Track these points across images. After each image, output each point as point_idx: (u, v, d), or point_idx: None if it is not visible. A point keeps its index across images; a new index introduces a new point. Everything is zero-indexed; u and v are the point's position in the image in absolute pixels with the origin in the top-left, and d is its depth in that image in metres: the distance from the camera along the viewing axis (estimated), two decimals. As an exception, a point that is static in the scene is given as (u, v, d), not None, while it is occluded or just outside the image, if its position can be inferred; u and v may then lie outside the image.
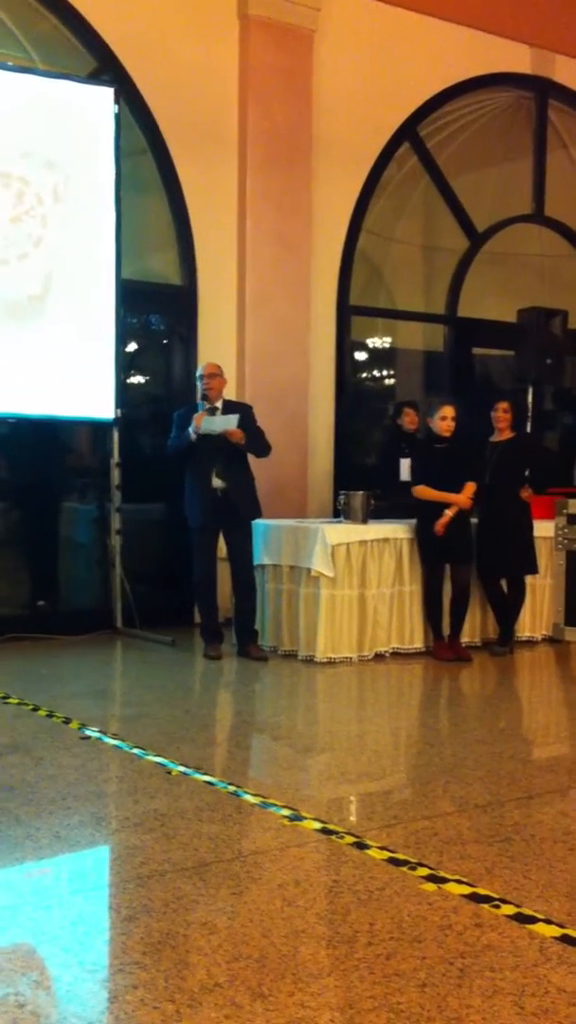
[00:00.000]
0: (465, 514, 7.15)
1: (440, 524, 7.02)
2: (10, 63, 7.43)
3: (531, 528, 7.45)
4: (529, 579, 7.56)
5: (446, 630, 7.26)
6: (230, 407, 7.06)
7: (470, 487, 7.08)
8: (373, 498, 7.30)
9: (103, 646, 7.54)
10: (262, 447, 7.02)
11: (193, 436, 6.83)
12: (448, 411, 7.12)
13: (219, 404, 7.02)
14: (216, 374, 7.03)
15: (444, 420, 7.12)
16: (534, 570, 7.49)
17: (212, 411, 6.96)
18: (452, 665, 7.03)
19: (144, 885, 3.24)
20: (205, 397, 6.98)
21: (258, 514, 7.08)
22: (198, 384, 7.06)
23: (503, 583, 7.47)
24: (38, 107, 7.29)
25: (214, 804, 4.03)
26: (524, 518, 7.40)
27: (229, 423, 6.82)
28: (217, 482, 6.90)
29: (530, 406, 9.19)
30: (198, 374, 7.11)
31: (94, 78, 7.76)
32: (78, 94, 7.46)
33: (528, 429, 8.95)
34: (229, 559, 7.07)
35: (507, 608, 7.47)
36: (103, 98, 7.53)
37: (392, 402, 9.79)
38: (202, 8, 8.18)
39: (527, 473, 7.48)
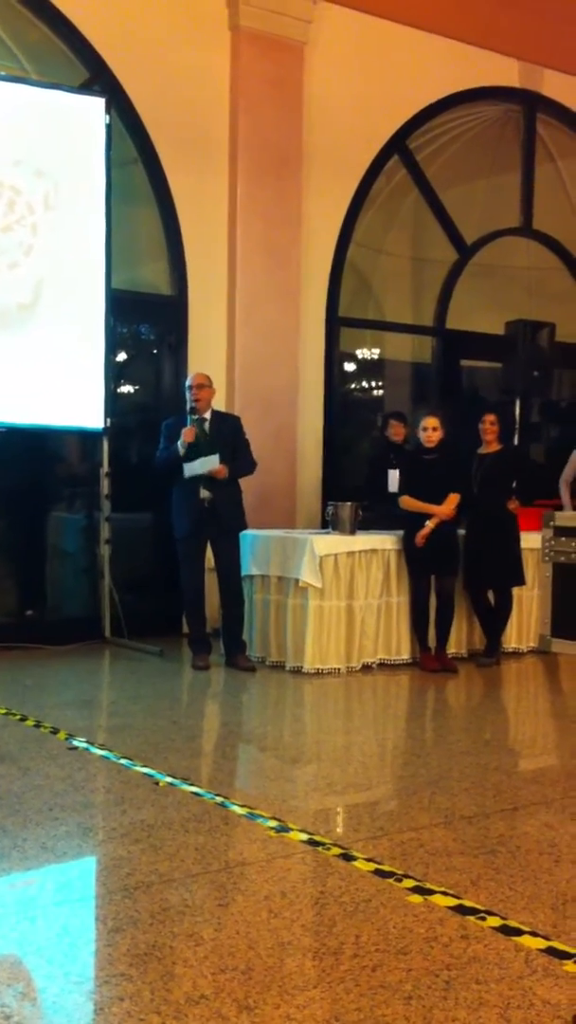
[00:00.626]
0: (450, 525, 7.17)
1: (420, 535, 7.04)
2: (2, 72, 7.45)
3: (518, 540, 7.47)
4: (516, 591, 7.58)
5: (432, 641, 7.27)
6: (218, 418, 7.07)
7: (453, 498, 7.11)
8: (361, 509, 7.33)
9: (91, 656, 7.53)
10: (247, 466, 7.04)
11: (182, 450, 6.83)
12: (431, 422, 7.15)
13: (207, 415, 7.03)
14: (205, 385, 7.04)
15: (426, 431, 7.16)
16: (521, 582, 7.52)
17: (201, 423, 6.97)
18: (438, 676, 7.05)
19: (131, 896, 3.24)
20: (194, 409, 6.98)
21: (244, 525, 7.10)
22: (187, 394, 7.07)
23: (490, 595, 7.49)
24: (30, 116, 7.31)
25: (201, 815, 4.03)
26: (511, 530, 7.42)
27: (211, 464, 6.83)
28: (204, 492, 6.90)
29: (517, 418, 9.22)
30: (187, 384, 7.11)
31: (86, 88, 7.78)
32: (70, 104, 7.48)
33: (515, 441, 8.99)
34: (216, 570, 7.08)
35: (494, 620, 7.49)
36: (94, 108, 7.55)
37: (380, 413, 9.82)
38: (194, 19, 8.22)
39: (514, 485, 7.51)
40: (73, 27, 7.70)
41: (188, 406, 7.03)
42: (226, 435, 6.97)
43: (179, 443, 6.85)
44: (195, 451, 6.85)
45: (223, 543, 7.01)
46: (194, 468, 6.84)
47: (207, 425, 6.97)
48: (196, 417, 6.96)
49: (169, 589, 8.21)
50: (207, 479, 6.88)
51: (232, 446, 6.96)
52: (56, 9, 7.62)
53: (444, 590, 7.22)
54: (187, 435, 6.83)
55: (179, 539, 7.08)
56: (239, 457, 6.98)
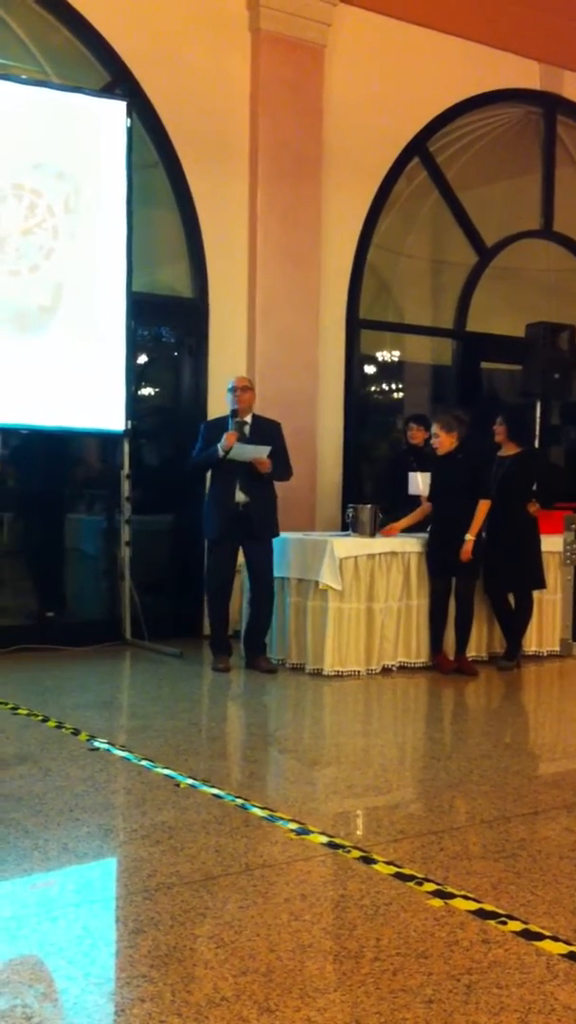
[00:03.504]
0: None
1: (465, 551, 7.02)
2: (24, 76, 7.48)
3: (538, 542, 7.45)
4: (536, 594, 7.56)
5: (448, 643, 7.26)
6: (259, 422, 7.07)
7: (484, 506, 7.07)
8: (380, 512, 7.33)
9: (112, 657, 7.55)
10: (285, 471, 7.06)
11: (221, 454, 6.84)
12: (432, 428, 7.21)
13: (248, 419, 7.03)
14: (248, 387, 7.04)
15: (433, 438, 7.21)
16: (541, 585, 7.50)
17: (241, 426, 6.97)
18: (458, 679, 7.03)
19: (151, 898, 3.25)
20: (235, 412, 6.98)
21: (276, 531, 7.10)
22: (228, 396, 7.07)
23: (510, 598, 7.47)
24: (51, 119, 7.34)
25: (221, 817, 4.04)
26: (530, 532, 7.40)
27: (260, 453, 6.86)
28: (240, 496, 6.91)
29: (538, 421, 9.20)
30: (229, 386, 7.09)
31: (107, 91, 7.81)
32: (91, 107, 7.51)
33: (536, 444, 8.96)
34: (248, 573, 7.08)
35: (514, 622, 7.47)
36: (115, 111, 7.58)
37: (400, 416, 9.81)
38: (214, 23, 8.24)
39: (534, 488, 7.49)
40: (94, 31, 7.73)
41: (230, 409, 7.02)
42: (266, 440, 6.98)
43: (219, 446, 6.84)
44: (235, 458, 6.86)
45: (256, 547, 7.01)
46: (245, 451, 6.83)
47: (247, 429, 6.98)
48: (238, 420, 6.97)
49: (189, 591, 8.24)
50: (245, 482, 6.89)
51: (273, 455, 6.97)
52: (77, 13, 7.65)
53: (463, 592, 7.21)
54: (229, 439, 6.83)
55: (210, 541, 7.09)
56: (278, 462, 6.99)
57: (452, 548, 7.04)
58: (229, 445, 6.81)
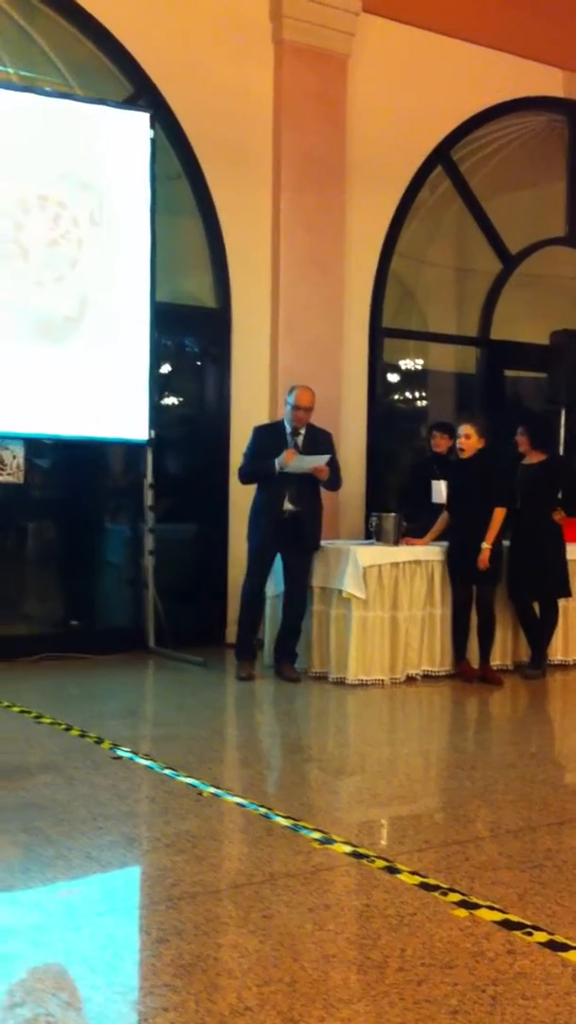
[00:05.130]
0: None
1: (482, 560, 6.99)
2: (48, 88, 7.53)
3: (563, 550, 7.41)
4: (562, 602, 7.51)
5: (471, 651, 7.22)
6: (313, 432, 7.07)
7: (499, 513, 7.03)
8: (404, 520, 7.31)
9: (135, 666, 7.56)
10: (336, 480, 7.09)
11: (278, 469, 6.84)
12: (466, 429, 7.12)
13: (302, 430, 7.03)
14: (312, 408, 7.00)
15: (459, 439, 7.17)
16: (566, 592, 7.45)
17: (294, 433, 6.97)
18: (483, 688, 7.00)
19: (175, 907, 3.24)
20: (295, 431, 6.96)
21: (319, 541, 7.11)
22: (288, 407, 7.04)
23: (535, 606, 7.43)
24: (75, 131, 7.38)
25: (245, 826, 4.03)
26: (555, 540, 7.36)
27: (319, 462, 6.89)
28: (288, 505, 6.93)
29: (563, 428, 9.16)
30: (291, 402, 7.01)
31: (130, 103, 7.84)
32: (114, 119, 7.55)
33: (561, 451, 8.92)
34: (286, 580, 7.09)
35: (539, 631, 7.42)
36: (139, 123, 7.62)
37: (424, 424, 9.79)
38: (237, 33, 8.27)
39: (559, 495, 7.45)
40: (118, 43, 7.77)
41: (288, 422, 7.00)
42: (319, 450, 6.99)
43: (276, 461, 6.83)
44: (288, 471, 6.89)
45: (298, 556, 7.03)
46: (304, 463, 6.85)
47: (300, 440, 6.98)
48: (296, 436, 6.95)
49: (212, 600, 8.24)
50: (294, 491, 6.91)
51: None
52: (101, 25, 7.70)
53: (483, 601, 7.17)
54: (288, 456, 6.84)
55: (253, 548, 7.10)
56: (331, 471, 7.02)
57: (470, 556, 7.02)
58: (287, 462, 6.82)
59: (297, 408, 6.97)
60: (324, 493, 7.23)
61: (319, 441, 7.06)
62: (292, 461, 6.84)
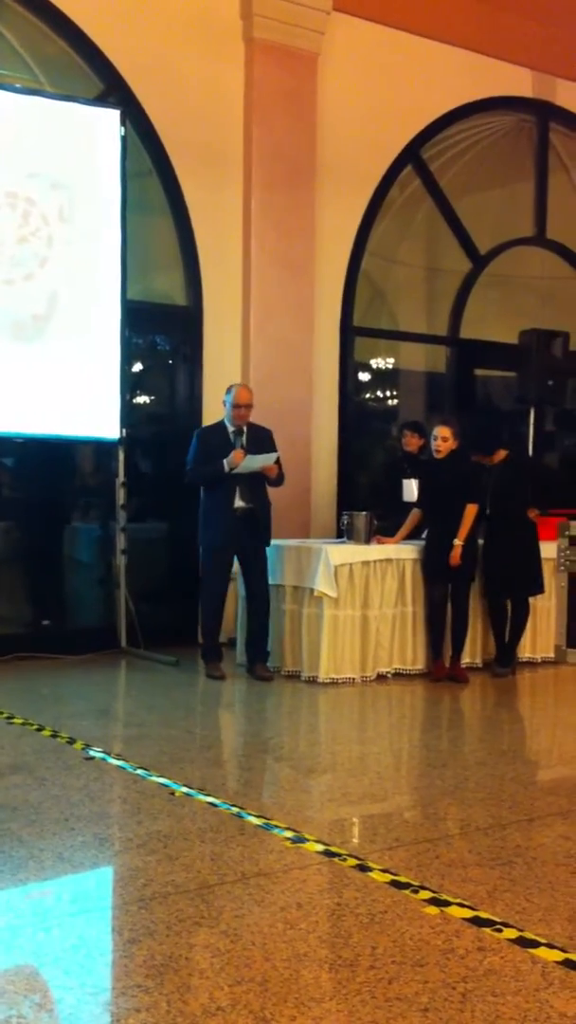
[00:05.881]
0: (468, 534, 7.14)
1: (454, 557, 7.02)
2: (18, 84, 7.49)
3: (537, 548, 7.45)
4: (531, 600, 7.56)
5: (446, 650, 7.26)
6: (254, 430, 7.07)
7: (471, 510, 7.07)
8: (376, 518, 7.34)
9: (107, 666, 7.55)
10: (280, 477, 7.10)
11: (227, 469, 6.85)
12: (442, 431, 7.14)
13: (244, 428, 7.04)
14: (251, 405, 7.02)
15: (435, 440, 7.17)
16: (538, 589, 7.50)
17: (238, 432, 6.98)
18: (453, 686, 7.04)
19: (147, 907, 3.24)
20: (239, 430, 6.96)
21: (270, 538, 7.13)
22: (227, 407, 7.04)
23: (507, 604, 7.48)
24: (45, 128, 7.35)
25: (217, 825, 4.03)
26: (529, 538, 7.40)
27: (269, 461, 6.91)
28: (240, 503, 6.93)
29: (532, 427, 9.22)
30: (231, 400, 7.01)
31: (101, 100, 7.82)
32: (85, 116, 7.52)
33: (530, 450, 8.98)
34: (245, 580, 7.10)
35: (510, 629, 7.47)
36: (109, 120, 7.59)
37: (395, 423, 9.83)
38: (208, 31, 8.26)
39: (529, 492, 7.49)
40: (88, 40, 7.74)
41: (232, 422, 6.99)
42: (262, 447, 7.00)
43: (225, 462, 6.83)
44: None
45: (254, 554, 7.05)
46: (254, 462, 6.86)
47: (243, 439, 6.99)
48: (240, 438, 6.95)
49: (184, 599, 8.23)
50: (246, 490, 6.91)
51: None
52: (71, 22, 7.67)
53: (456, 599, 7.21)
54: (237, 457, 6.83)
55: (208, 549, 7.09)
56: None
57: (445, 553, 7.05)
58: (237, 462, 6.83)
59: (237, 406, 6.98)
60: (282, 490, 7.24)
61: (262, 439, 7.06)
62: (243, 461, 6.84)
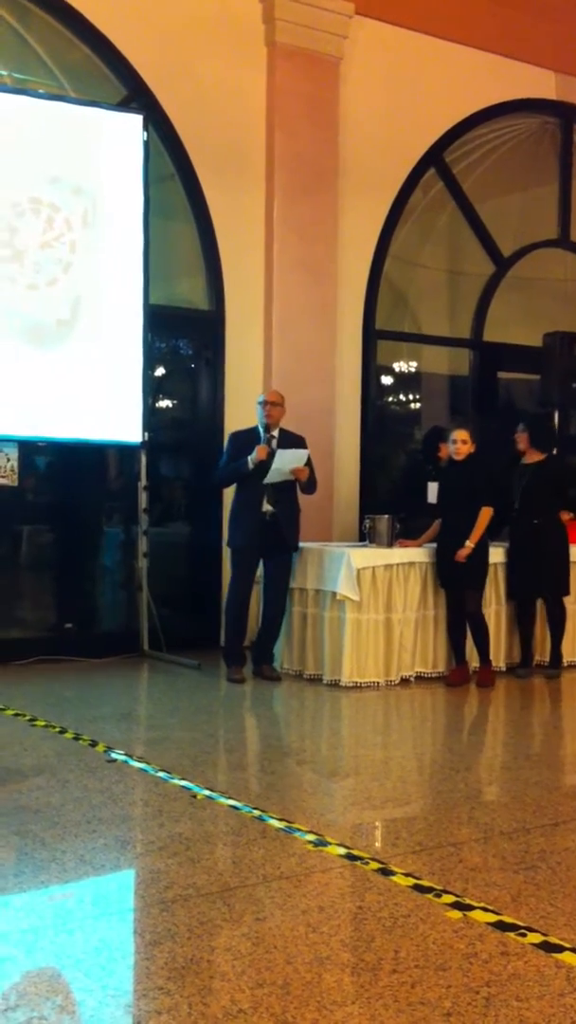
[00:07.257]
0: (480, 540, 7.09)
1: (461, 554, 7.00)
2: (41, 91, 7.53)
3: (566, 550, 7.43)
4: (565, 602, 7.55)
5: (470, 654, 7.23)
6: (287, 436, 7.09)
7: (486, 513, 7.04)
8: (398, 521, 7.32)
9: (129, 669, 7.56)
10: (312, 484, 7.09)
11: (251, 467, 6.86)
12: (461, 435, 7.11)
13: (275, 433, 7.04)
14: (278, 403, 7.09)
15: (455, 444, 7.13)
16: (566, 591, 7.48)
17: (270, 440, 6.99)
18: (476, 690, 7.00)
19: (168, 910, 3.24)
20: (267, 427, 7.01)
21: (298, 543, 7.13)
22: (259, 410, 7.10)
23: (538, 606, 7.47)
24: (68, 134, 7.38)
25: (239, 829, 4.03)
26: (560, 540, 7.37)
27: (299, 458, 6.90)
28: (267, 506, 6.94)
29: (556, 430, 9.16)
30: (259, 400, 7.14)
31: (123, 105, 7.84)
32: (107, 121, 7.55)
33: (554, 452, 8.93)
34: (265, 583, 7.10)
35: (552, 631, 7.48)
36: (132, 125, 7.61)
37: (418, 426, 9.79)
38: (230, 36, 8.27)
39: (561, 496, 7.46)
40: (111, 46, 7.77)
41: (261, 423, 7.05)
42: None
43: (249, 459, 6.86)
44: (263, 469, 6.87)
45: (279, 558, 7.05)
46: (284, 461, 6.86)
47: (275, 443, 7.00)
48: (268, 436, 6.99)
49: (206, 603, 8.24)
50: (272, 492, 6.91)
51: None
52: (94, 28, 7.69)
53: (467, 605, 7.14)
54: (261, 452, 6.86)
55: (234, 550, 7.11)
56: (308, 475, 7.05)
57: (453, 558, 7.03)
58: (260, 458, 6.84)
59: (266, 403, 7.04)
60: (309, 497, 7.23)
61: (293, 444, 7.07)
62: (274, 462, 6.83)
